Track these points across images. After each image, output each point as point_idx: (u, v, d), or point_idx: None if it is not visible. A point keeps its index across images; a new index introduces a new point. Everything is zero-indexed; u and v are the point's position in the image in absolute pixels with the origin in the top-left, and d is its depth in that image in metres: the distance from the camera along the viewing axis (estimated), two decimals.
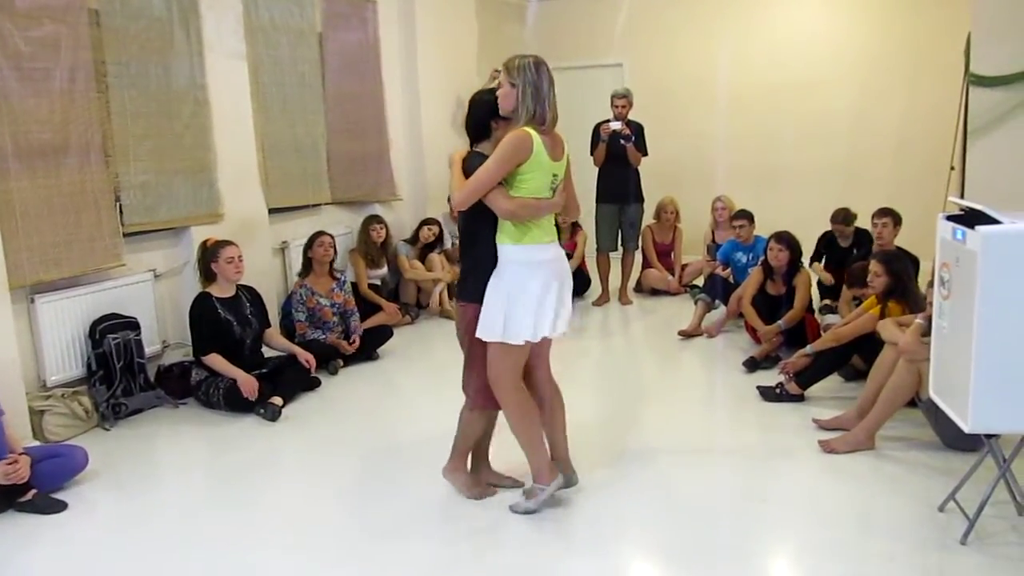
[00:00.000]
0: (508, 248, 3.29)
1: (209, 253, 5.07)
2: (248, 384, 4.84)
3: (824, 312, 6.29)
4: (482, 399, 3.47)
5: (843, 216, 6.60)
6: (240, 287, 5.20)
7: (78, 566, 3.25)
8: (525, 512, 3.44)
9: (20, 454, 3.67)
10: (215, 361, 4.92)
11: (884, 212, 5.85)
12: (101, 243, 4.86)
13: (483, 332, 3.29)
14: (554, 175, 3.31)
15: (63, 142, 4.62)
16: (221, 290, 5.07)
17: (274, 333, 5.46)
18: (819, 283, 6.71)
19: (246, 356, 5.08)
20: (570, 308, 3.46)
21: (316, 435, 4.62)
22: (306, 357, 5.22)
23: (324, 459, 4.27)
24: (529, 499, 3.47)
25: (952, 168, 7.28)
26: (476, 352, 3.41)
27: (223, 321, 4.99)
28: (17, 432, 3.97)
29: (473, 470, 3.73)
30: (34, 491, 3.67)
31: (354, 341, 5.91)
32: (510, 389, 3.36)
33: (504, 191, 3.22)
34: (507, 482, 3.73)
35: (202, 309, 4.97)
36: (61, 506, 3.70)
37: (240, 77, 5.91)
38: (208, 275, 5.09)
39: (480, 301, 3.31)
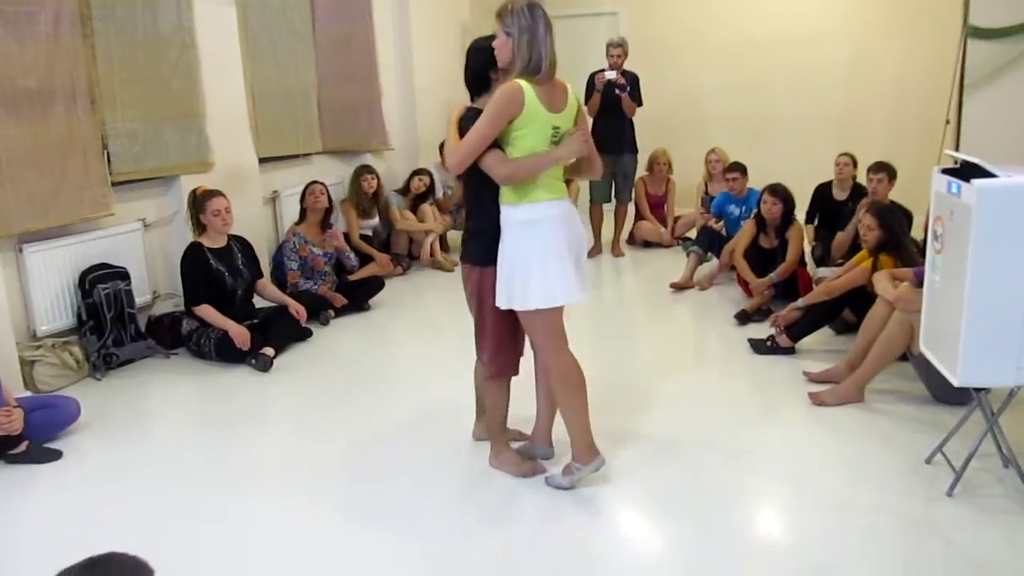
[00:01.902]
0: (508, 209, 3.09)
1: (197, 204, 5.02)
2: (240, 335, 4.83)
3: (818, 264, 6.29)
4: (495, 366, 3.34)
5: (849, 154, 6.58)
6: (232, 237, 5.16)
7: (71, 515, 3.26)
8: (558, 487, 3.28)
9: (14, 406, 3.67)
10: (207, 312, 4.90)
11: (880, 167, 5.81)
12: (89, 192, 4.80)
13: (499, 300, 3.14)
14: (555, 128, 3.05)
15: (48, 88, 4.53)
16: (212, 240, 5.03)
17: (266, 283, 5.43)
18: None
19: (237, 307, 5.07)
20: (584, 273, 3.25)
21: (307, 385, 4.63)
22: (296, 308, 5.21)
23: (315, 409, 4.28)
24: (564, 475, 3.30)
25: (948, 122, 7.23)
26: (484, 317, 3.27)
27: (215, 272, 4.97)
28: (8, 383, 3.96)
29: (477, 418, 3.72)
30: (27, 442, 3.66)
31: (352, 271, 6.15)
32: (551, 352, 3.19)
33: (499, 154, 3.01)
34: (512, 435, 3.67)
35: (193, 259, 4.94)
36: (56, 455, 3.70)
37: (228, 22, 5.80)
38: (200, 225, 5.05)
39: (482, 263, 3.18)
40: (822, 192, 6.69)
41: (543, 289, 3.05)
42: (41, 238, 4.62)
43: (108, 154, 4.98)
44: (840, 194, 6.57)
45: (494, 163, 3.01)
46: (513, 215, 3.09)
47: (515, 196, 3.07)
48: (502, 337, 3.29)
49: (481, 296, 3.23)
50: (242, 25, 5.98)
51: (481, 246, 3.20)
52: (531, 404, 3.55)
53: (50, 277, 4.68)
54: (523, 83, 2.97)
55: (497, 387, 3.42)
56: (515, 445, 3.61)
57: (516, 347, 3.39)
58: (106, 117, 4.96)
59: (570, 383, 3.24)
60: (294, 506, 3.26)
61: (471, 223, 3.32)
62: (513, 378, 3.45)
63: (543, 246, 3.05)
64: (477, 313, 3.33)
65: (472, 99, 3.27)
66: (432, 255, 7.21)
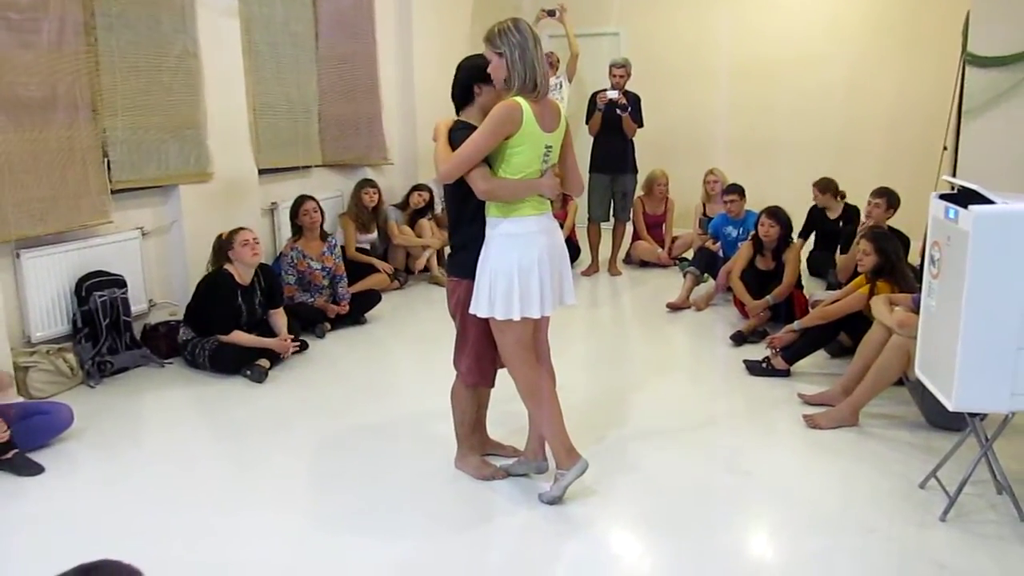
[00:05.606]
0: (494, 221, 3.16)
1: (225, 243, 5.03)
2: (281, 346, 4.98)
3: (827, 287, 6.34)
4: (472, 376, 3.42)
5: (824, 183, 6.95)
6: (260, 268, 5.14)
7: (62, 522, 3.24)
8: (551, 502, 3.28)
9: None
10: (239, 338, 4.91)
11: (881, 192, 5.79)
12: (88, 200, 4.81)
13: (474, 307, 3.21)
14: (547, 147, 3.13)
15: (50, 96, 4.54)
16: (240, 276, 5.02)
17: (276, 314, 5.26)
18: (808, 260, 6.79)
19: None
20: (569, 282, 3.33)
21: (301, 397, 4.63)
22: (283, 349, 5.04)
23: (309, 421, 4.27)
24: (553, 486, 3.30)
25: (945, 148, 7.27)
26: (467, 329, 3.35)
27: (236, 307, 4.97)
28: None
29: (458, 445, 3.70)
30: (15, 451, 3.63)
31: (343, 305, 5.90)
32: (518, 365, 3.26)
33: (484, 169, 3.09)
34: (507, 451, 3.71)
35: (224, 289, 4.93)
36: (37, 469, 3.63)
37: (232, 35, 5.82)
38: (225, 261, 5.03)
39: (470, 276, 3.23)
40: (817, 212, 6.96)
41: (521, 301, 3.12)
42: (38, 244, 4.63)
43: (108, 162, 4.99)
44: (832, 214, 6.92)
45: (478, 177, 3.09)
46: (497, 228, 3.16)
47: (501, 211, 3.15)
48: (482, 349, 3.36)
49: (465, 308, 3.28)
50: (245, 38, 6.00)
51: (465, 260, 3.28)
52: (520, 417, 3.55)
53: (46, 283, 4.68)
54: (522, 101, 3.04)
55: (469, 394, 3.50)
56: (508, 461, 3.61)
57: (494, 360, 3.42)
58: (107, 125, 4.97)
59: (537, 396, 3.31)
60: (284, 517, 3.24)
61: (454, 238, 3.41)
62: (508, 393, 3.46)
63: (525, 259, 3.13)
64: (460, 325, 3.40)
65: (457, 112, 3.35)
66: (429, 269, 7.22)
